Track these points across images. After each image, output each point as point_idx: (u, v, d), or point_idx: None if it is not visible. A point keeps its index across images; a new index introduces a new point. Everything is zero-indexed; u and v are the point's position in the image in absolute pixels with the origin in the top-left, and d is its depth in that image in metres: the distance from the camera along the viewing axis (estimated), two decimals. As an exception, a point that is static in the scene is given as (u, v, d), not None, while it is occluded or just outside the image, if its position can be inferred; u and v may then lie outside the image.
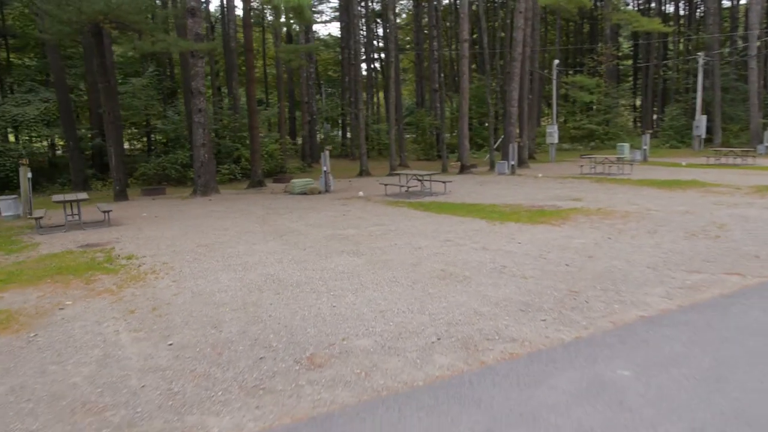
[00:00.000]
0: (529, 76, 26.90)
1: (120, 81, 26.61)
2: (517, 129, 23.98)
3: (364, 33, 41.94)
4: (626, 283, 5.97)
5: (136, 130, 28.60)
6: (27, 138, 22.27)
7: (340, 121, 41.16)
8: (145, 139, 29.69)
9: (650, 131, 29.43)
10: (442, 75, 31.64)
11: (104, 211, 11.41)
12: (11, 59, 28.53)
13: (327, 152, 17.43)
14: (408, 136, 40.61)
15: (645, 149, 25.15)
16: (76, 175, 20.18)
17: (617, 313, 5.06)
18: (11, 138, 24.66)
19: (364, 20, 40.39)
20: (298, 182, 17.41)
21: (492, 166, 23.74)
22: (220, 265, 7.42)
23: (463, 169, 22.98)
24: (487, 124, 28.69)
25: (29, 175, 13.12)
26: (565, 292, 5.69)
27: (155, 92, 26.19)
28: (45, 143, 24.83)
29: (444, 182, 15.93)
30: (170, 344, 4.65)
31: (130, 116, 24.84)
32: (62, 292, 6.38)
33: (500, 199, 13.76)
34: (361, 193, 16.09)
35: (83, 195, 11.77)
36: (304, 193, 17.01)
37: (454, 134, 41.81)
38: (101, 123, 22.00)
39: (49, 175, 21.51)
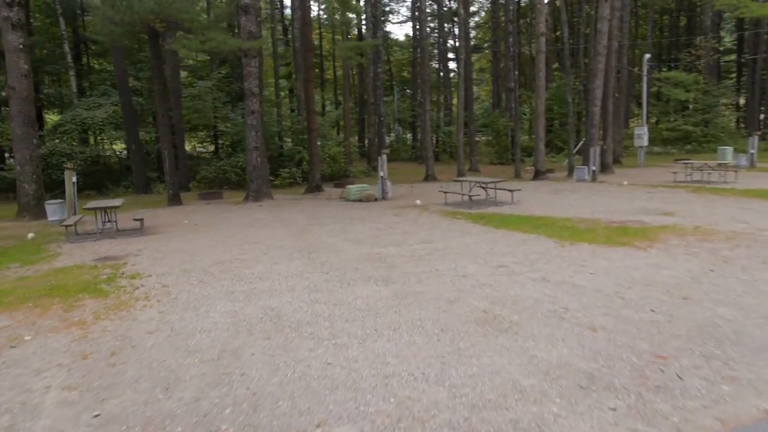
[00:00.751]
0: (616, 74, 24.45)
1: (191, 84, 26.79)
2: (600, 130, 21.71)
3: (437, 33, 40.49)
4: (739, 344, 4.27)
5: (204, 133, 28.71)
6: (97, 141, 22.63)
7: (411, 124, 39.80)
8: (213, 142, 29.83)
9: (758, 133, 25.97)
10: (517, 73, 29.59)
11: (137, 219, 10.76)
12: (93, 65, 29.52)
13: (384, 156, 16.20)
14: (482, 138, 38.75)
15: (752, 153, 22.03)
16: (138, 178, 20.18)
17: (727, 401, 3.43)
18: (91, 141, 25.29)
19: (437, 20, 38.98)
20: (354, 188, 16.31)
21: (570, 171, 21.61)
22: (223, 292, 6.33)
23: (538, 175, 21.04)
24: (567, 126, 26.43)
25: (74, 179, 12.81)
26: (648, 358, 4.08)
27: (222, 94, 26.08)
28: (116, 146, 25.22)
29: (511, 191, 14.24)
30: (96, 415, 3.53)
31: (195, 119, 24.79)
32: (33, 321, 5.50)
33: (575, 211, 11.95)
34: (418, 202, 14.72)
35: (116, 201, 11.22)
36: (359, 200, 15.87)
37: (531, 136, 39.59)
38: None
39: (117, 178, 21.72)
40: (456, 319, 5.07)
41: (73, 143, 20.90)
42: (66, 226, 10.33)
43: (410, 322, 5.02)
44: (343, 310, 5.46)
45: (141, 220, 10.74)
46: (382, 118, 28.33)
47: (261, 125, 16.54)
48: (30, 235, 11.11)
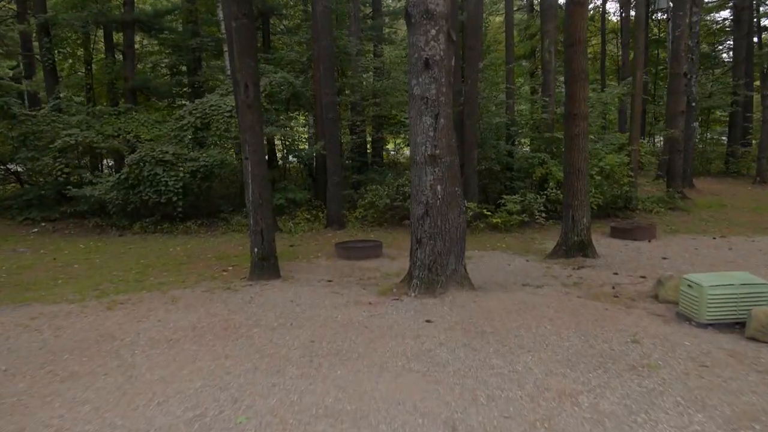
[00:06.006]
0: None
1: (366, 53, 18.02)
2: None
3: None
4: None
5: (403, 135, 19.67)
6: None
7: (731, 115, 24.84)
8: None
9: None
10: None
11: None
12: (272, 42, 22.64)
13: None
14: None
15: None
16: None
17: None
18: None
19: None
20: (710, 288, 5.29)
21: None
22: None
23: None
24: None
25: None
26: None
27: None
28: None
29: None
30: None
31: (374, 107, 15.70)
32: None
33: None
34: None
35: None
36: (739, 330, 4.92)
37: None
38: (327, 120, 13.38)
39: (242, 200, 13.83)
40: None
41: (188, 143, 13.54)
42: None
43: None
44: None
45: None
46: (694, 103, 16.10)
47: (450, 119, 6.57)
48: None
